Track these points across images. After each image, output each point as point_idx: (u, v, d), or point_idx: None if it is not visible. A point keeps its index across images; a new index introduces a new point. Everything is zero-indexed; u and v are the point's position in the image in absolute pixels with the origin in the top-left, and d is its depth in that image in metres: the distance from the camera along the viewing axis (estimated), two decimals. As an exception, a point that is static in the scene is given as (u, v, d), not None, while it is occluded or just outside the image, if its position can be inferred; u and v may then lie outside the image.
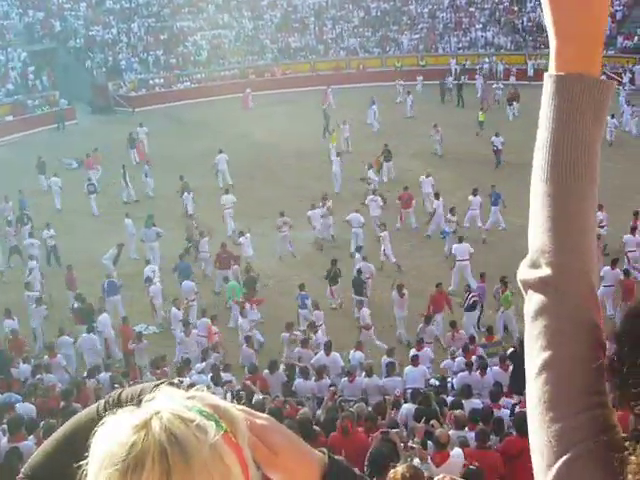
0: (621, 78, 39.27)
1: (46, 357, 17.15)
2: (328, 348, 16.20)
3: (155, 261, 22.65)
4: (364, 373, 15.22)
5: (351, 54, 50.14)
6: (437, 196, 24.79)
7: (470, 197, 24.29)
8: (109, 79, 46.08)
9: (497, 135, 30.55)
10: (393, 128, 35.90)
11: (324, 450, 1.49)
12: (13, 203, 27.11)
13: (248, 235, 22.92)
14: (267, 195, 28.34)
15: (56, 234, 24.01)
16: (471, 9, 51.67)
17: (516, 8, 50.82)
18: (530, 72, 44.00)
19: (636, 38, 45.28)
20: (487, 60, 46.54)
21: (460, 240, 21.29)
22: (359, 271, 20.37)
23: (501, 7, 51.32)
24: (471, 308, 18.93)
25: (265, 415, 1.41)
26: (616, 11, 47.72)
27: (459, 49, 49.27)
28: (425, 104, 39.52)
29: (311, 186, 28.69)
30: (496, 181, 25.99)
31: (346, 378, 15.00)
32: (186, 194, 26.99)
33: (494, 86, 41.44)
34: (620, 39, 45.61)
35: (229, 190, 27.28)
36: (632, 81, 41.07)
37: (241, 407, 1.36)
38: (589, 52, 1.42)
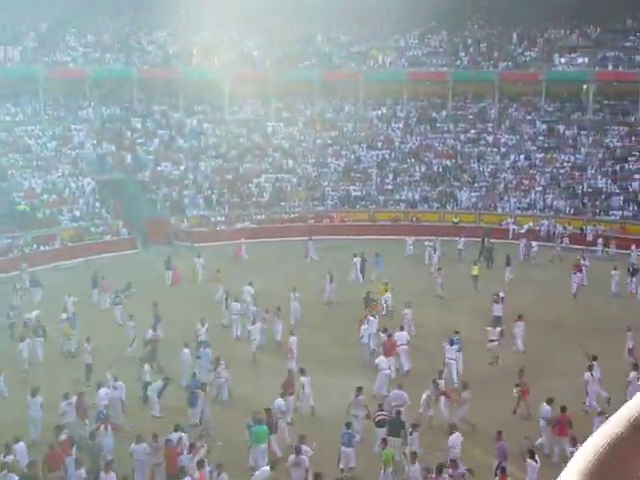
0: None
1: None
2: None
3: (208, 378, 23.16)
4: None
5: (410, 206, 50.82)
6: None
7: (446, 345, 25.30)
8: (172, 213, 47.27)
9: (497, 301, 29.77)
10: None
11: None
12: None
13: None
14: (310, 341, 28.05)
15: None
16: (532, 171, 52.35)
17: (577, 174, 51.44)
18: (590, 237, 44.17)
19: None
20: (546, 222, 46.77)
21: (401, 329, 25.79)
22: (398, 412, 19.93)
23: (562, 171, 51.93)
24: (378, 425, 19.44)
25: None
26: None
27: (518, 209, 49.66)
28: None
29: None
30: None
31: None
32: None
33: (557, 247, 41.89)
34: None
35: (252, 283, 31.20)
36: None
37: None
38: None
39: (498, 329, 26.63)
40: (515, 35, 59.96)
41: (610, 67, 55.70)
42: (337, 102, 58.99)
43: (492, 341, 26.33)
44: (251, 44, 59.40)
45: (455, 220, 48.32)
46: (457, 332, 25.60)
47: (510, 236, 45.78)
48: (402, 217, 49.85)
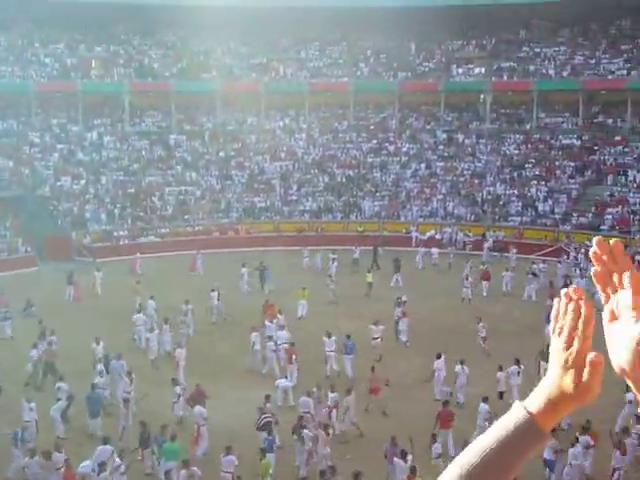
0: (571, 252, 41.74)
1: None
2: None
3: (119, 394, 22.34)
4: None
5: (314, 217, 51.07)
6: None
7: (325, 339, 26.04)
8: (73, 229, 46.30)
9: (399, 304, 30.45)
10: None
11: None
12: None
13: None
14: (222, 351, 28.13)
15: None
16: (433, 180, 53.30)
17: (477, 181, 52.62)
18: (489, 243, 45.15)
19: (590, 215, 47.06)
20: (449, 230, 47.67)
21: (281, 328, 26.94)
22: (300, 417, 20.16)
23: (462, 179, 53.04)
24: (262, 428, 19.34)
25: None
26: (572, 189, 49.70)
27: (420, 217, 50.45)
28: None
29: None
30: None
31: None
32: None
33: (450, 255, 42.94)
34: (575, 216, 47.45)
35: (154, 297, 30.82)
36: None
37: None
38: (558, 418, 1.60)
39: (381, 327, 27.65)
40: (413, 46, 61.07)
41: (505, 77, 57.29)
42: (239, 114, 58.91)
43: (375, 339, 27.40)
44: (151, 56, 58.85)
45: (360, 229, 48.77)
46: (348, 336, 25.98)
47: (413, 244, 46.45)
48: (307, 227, 50.06)
